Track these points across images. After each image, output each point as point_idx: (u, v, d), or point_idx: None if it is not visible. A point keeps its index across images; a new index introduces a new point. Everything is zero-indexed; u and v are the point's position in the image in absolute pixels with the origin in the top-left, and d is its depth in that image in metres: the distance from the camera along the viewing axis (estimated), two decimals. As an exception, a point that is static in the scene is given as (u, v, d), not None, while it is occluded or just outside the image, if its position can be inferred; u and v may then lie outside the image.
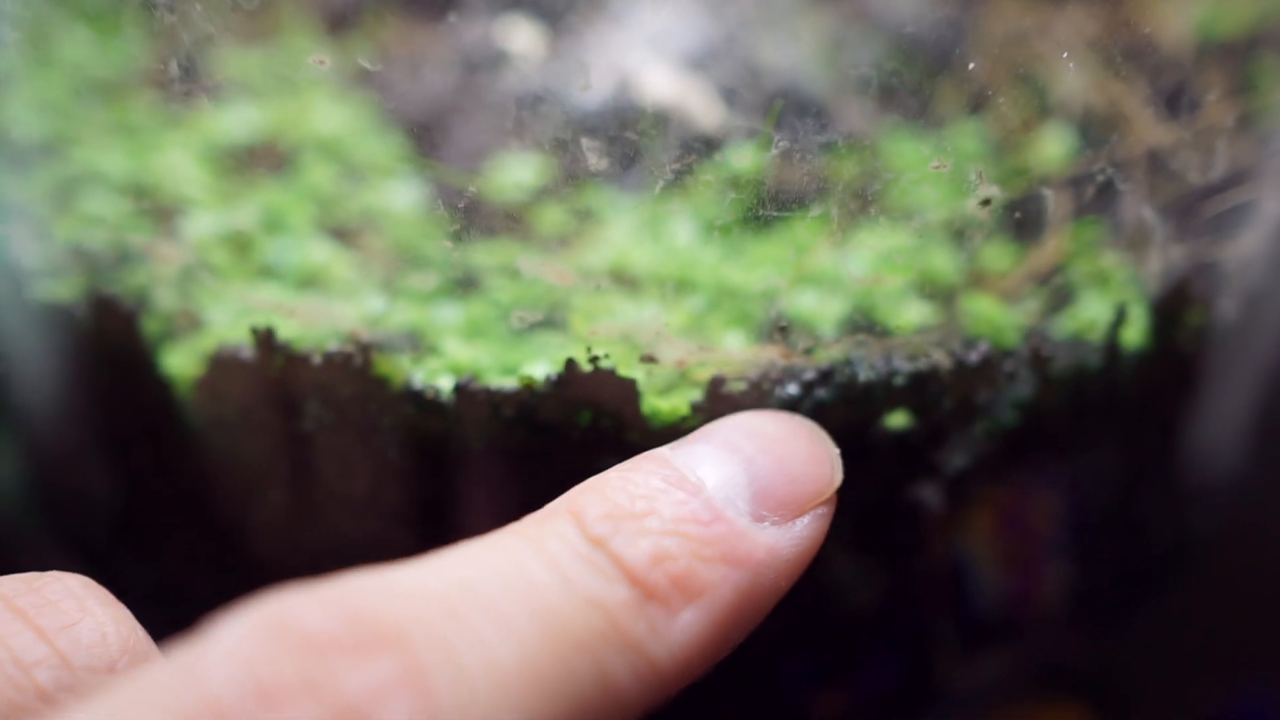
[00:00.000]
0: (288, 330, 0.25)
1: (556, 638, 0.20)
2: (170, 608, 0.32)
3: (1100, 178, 0.30)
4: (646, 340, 0.25)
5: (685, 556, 0.21)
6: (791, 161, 0.32)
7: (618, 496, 0.22)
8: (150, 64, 0.35)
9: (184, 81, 0.34)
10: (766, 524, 0.22)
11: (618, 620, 0.21)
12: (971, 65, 0.30)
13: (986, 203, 0.27)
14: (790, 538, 0.22)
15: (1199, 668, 0.33)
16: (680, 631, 0.21)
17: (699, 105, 0.32)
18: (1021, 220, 0.29)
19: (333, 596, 0.19)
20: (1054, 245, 0.29)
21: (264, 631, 0.19)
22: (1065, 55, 0.33)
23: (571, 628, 0.20)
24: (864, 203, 0.31)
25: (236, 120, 0.32)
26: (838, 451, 0.23)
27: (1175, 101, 0.34)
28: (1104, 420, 0.26)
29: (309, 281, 0.28)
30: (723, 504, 0.22)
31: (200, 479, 0.28)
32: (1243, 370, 0.29)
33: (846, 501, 0.26)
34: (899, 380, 0.25)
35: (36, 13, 0.35)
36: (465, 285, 0.28)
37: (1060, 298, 0.28)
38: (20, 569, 0.35)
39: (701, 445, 0.23)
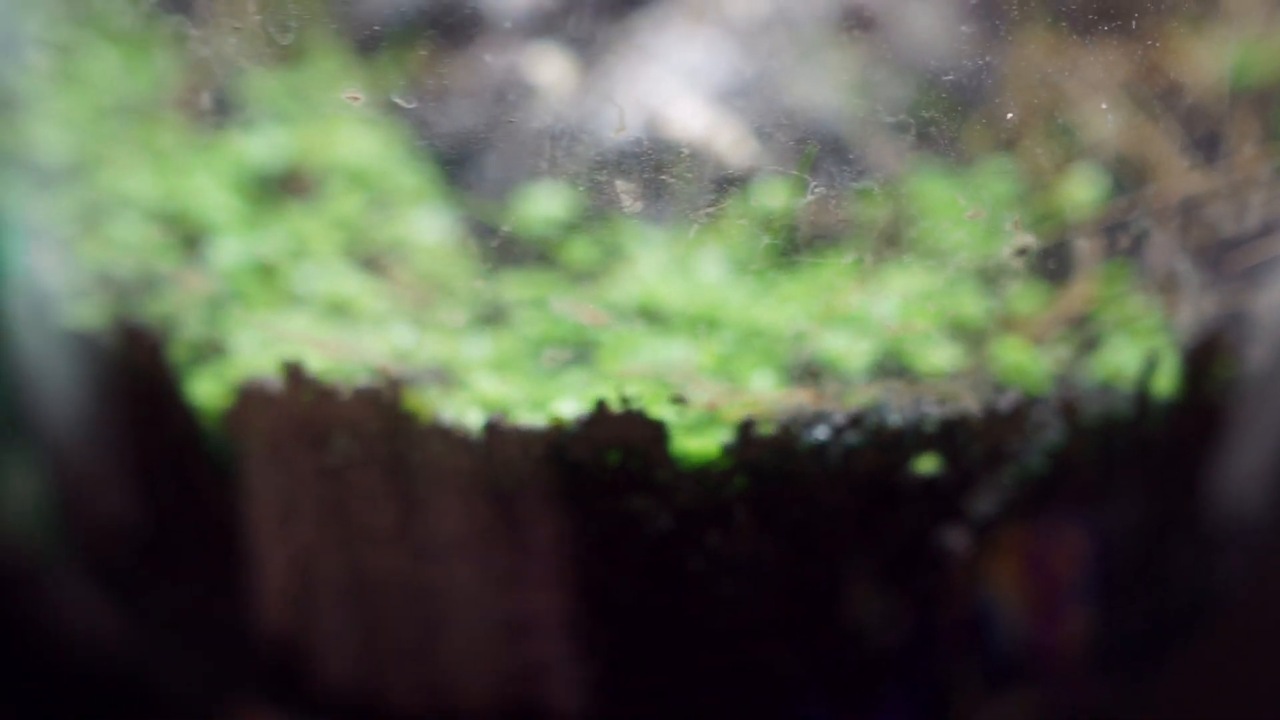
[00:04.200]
0: (316, 362, 0.25)
1: None
2: (192, 634, 0.32)
3: (1131, 224, 0.30)
4: (676, 380, 0.25)
5: None
6: (823, 202, 0.32)
7: None
8: (179, 87, 0.35)
9: (212, 106, 0.34)
10: None
11: None
12: (1010, 115, 0.30)
13: (1022, 252, 0.27)
14: None
15: (1223, 718, 0.33)
16: None
17: (729, 142, 0.32)
18: (1052, 264, 0.29)
19: None
20: (1084, 290, 0.29)
21: None
22: (1097, 98, 0.33)
23: None
24: (894, 245, 0.31)
25: (264, 146, 0.32)
26: None
27: (1209, 147, 0.34)
28: (1133, 468, 0.26)
29: (337, 311, 0.28)
30: None
31: (225, 509, 0.28)
32: (1273, 420, 0.29)
33: (873, 543, 0.25)
34: (928, 426, 0.25)
35: (64, 33, 0.35)
36: (494, 319, 0.28)
37: (1090, 343, 0.28)
38: (44, 592, 0.35)
39: None
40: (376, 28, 0.35)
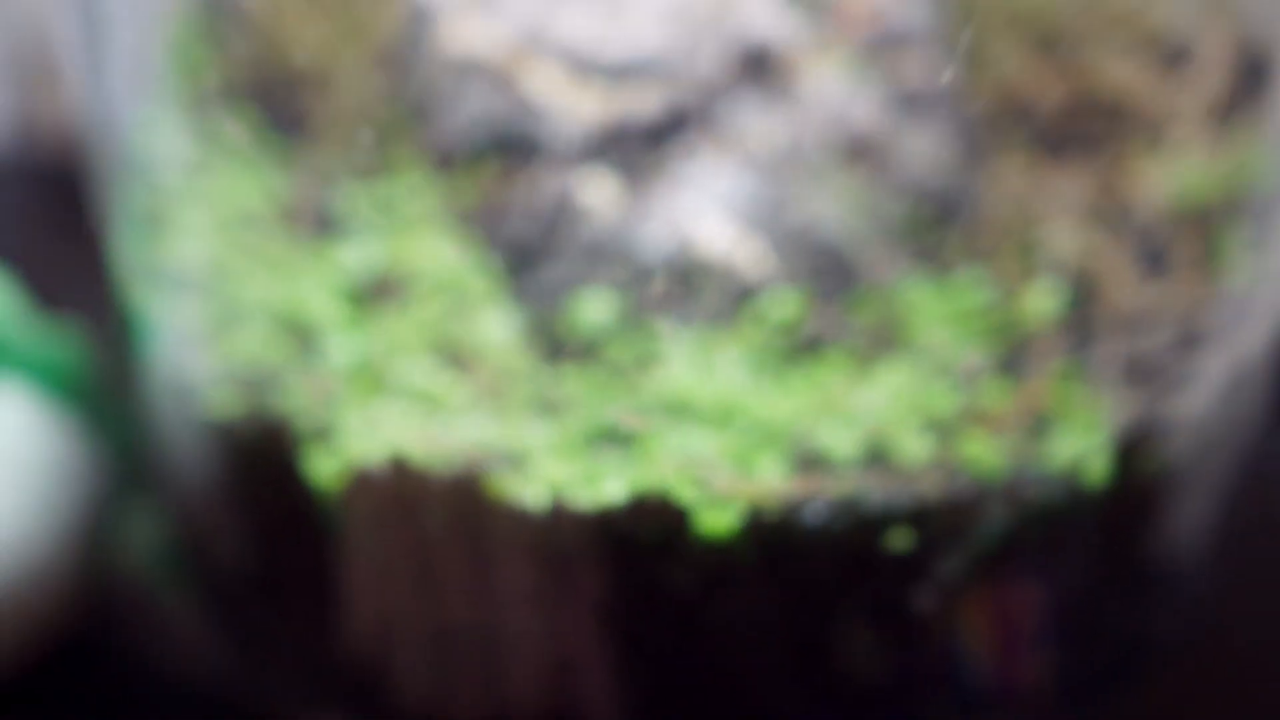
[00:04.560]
0: (411, 449, 0.32)
1: None
2: (290, 662, 0.38)
3: (1083, 332, 0.36)
4: (699, 468, 0.31)
5: None
6: (825, 309, 0.38)
7: None
8: (289, 200, 0.41)
9: (316, 217, 0.40)
10: None
11: None
12: (986, 230, 0.36)
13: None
14: None
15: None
16: None
17: (747, 256, 0.38)
18: (1014, 365, 0.35)
19: None
20: (1039, 388, 0.34)
21: None
22: (1061, 216, 0.39)
23: None
24: (884, 346, 0.37)
25: (360, 254, 0.38)
26: None
27: (1155, 263, 0.39)
28: (1074, 542, 0.32)
29: (426, 402, 0.34)
30: None
31: (329, 562, 0.34)
32: (1196, 503, 0.35)
33: (859, 603, 0.31)
34: (902, 508, 0.30)
35: (194, 153, 0.41)
36: (553, 408, 0.34)
37: (1042, 435, 0.34)
38: (162, 624, 0.42)
39: None
40: (453, 148, 0.41)
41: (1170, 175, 0.39)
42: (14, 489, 0.41)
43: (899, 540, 0.31)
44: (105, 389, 0.44)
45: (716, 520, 0.30)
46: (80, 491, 0.42)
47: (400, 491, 0.31)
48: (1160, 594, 0.36)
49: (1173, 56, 0.44)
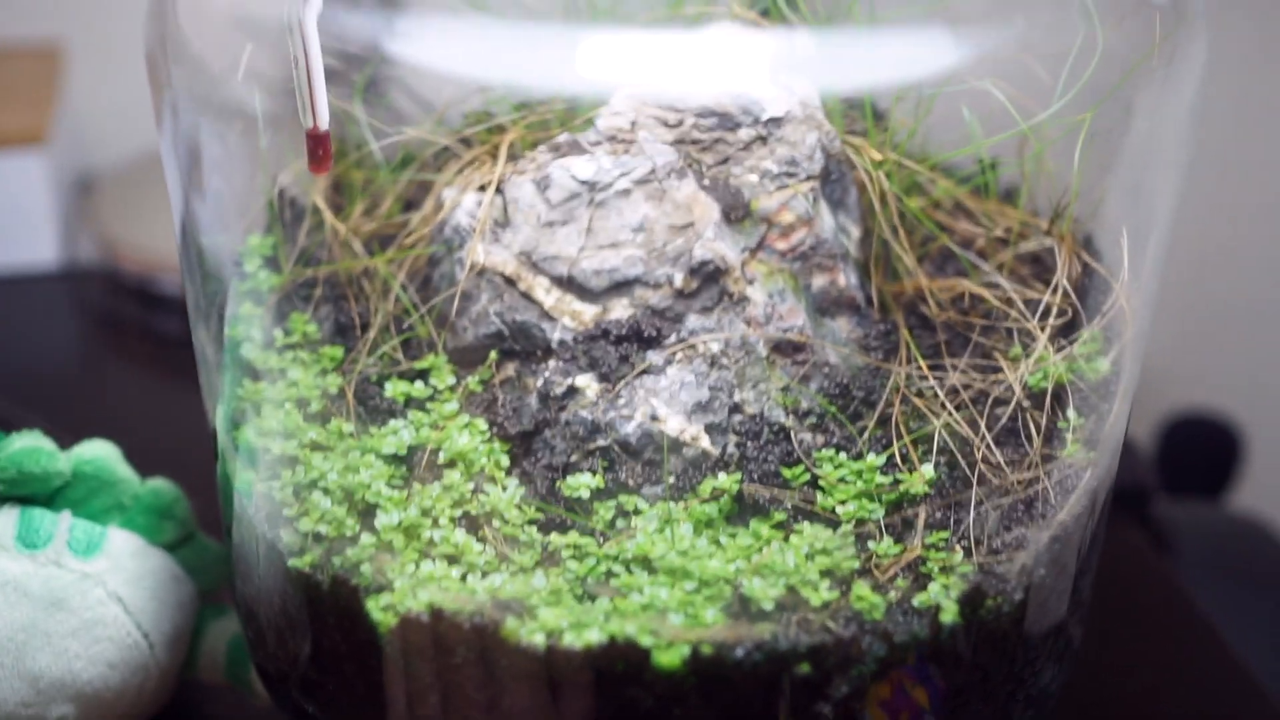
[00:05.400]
0: (446, 602, 0.42)
1: None
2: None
3: (952, 501, 0.46)
4: (658, 617, 0.42)
5: None
6: (761, 479, 0.49)
7: None
8: (344, 393, 0.52)
9: (363, 408, 0.51)
10: None
11: None
12: (887, 416, 0.47)
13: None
14: None
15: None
16: None
17: (698, 437, 0.48)
18: (900, 526, 0.46)
19: None
20: (918, 544, 0.45)
21: None
22: (941, 405, 0.49)
23: None
24: (805, 511, 0.48)
25: (398, 437, 0.49)
26: None
27: (1014, 438, 0.50)
28: (938, 662, 0.43)
29: (453, 559, 0.45)
30: None
31: (382, 689, 0.45)
32: (1031, 623, 0.46)
33: (778, 713, 0.42)
34: (807, 645, 0.41)
35: (269, 360, 0.52)
36: (549, 560, 0.45)
37: (919, 582, 0.44)
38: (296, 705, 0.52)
39: None
40: (469, 341, 0.52)
41: (1027, 367, 0.50)
42: (135, 596, 0.52)
43: (804, 669, 0.42)
44: (195, 531, 0.55)
45: (669, 658, 0.41)
46: (178, 608, 0.53)
47: (436, 633, 0.42)
48: (1010, 689, 0.47)
49: (1037, 270, 0.56)
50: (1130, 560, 0.65)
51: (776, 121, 0.51)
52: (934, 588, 0.44)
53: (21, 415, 0.72)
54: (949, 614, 0.43)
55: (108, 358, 0.85)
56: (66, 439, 0.54)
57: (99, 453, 0.53)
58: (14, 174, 0.88)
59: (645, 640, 0.41)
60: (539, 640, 0.41)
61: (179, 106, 0.48)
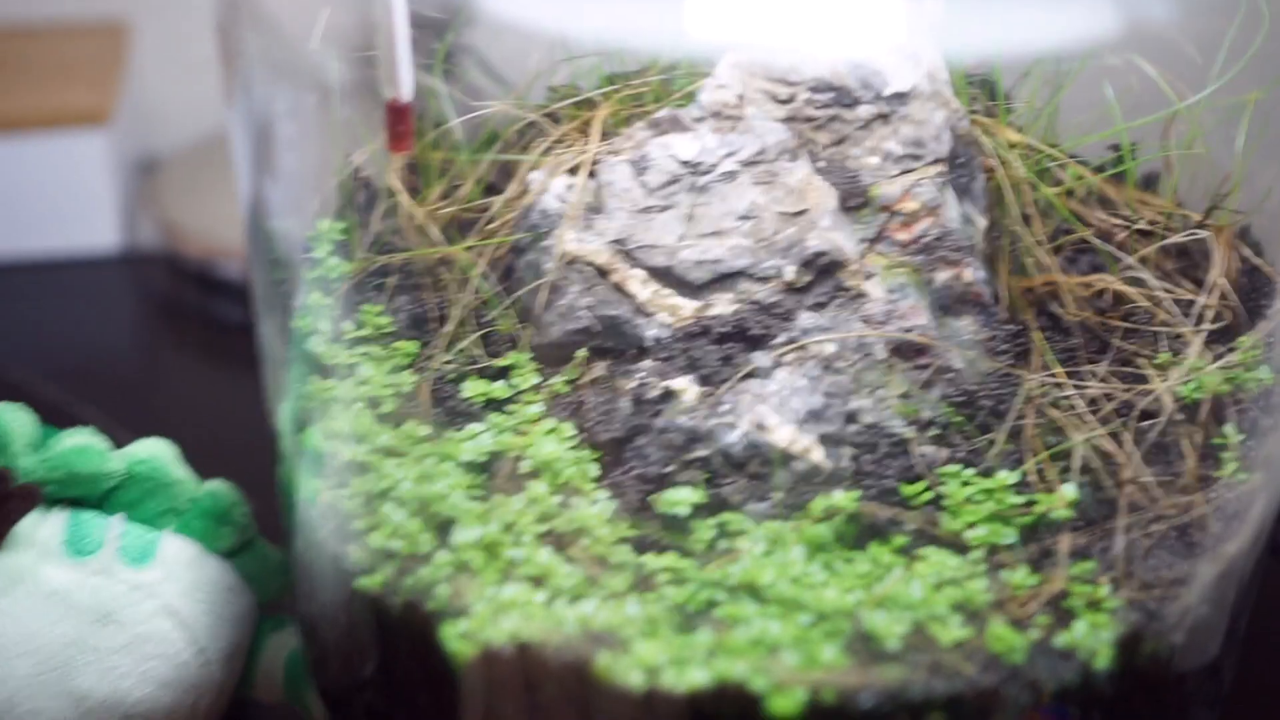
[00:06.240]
0: (528, 629, 0.38)
1: None
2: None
3: (1099, 527, 0.41)
4: (768, 652, 0.37)
5: None
6: (875, 495, 0.44)
7: None
8: (420, 395, 0.47)
9: (442, 410, 0.46)
10: None
11: None
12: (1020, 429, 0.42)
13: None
14: None
15: None
16: None
17: (809, 448, 0.44)
18: (1039, 555, 0.41)
19: None
20: (1060, 575, 0.40)
21: None
22: (1083, 419, 0.44)
23: None
24: (928, 532, 0.43)
25: (479, 442, 0.44)
26: None
27: (1165, 456, 0.45)
28: (1082, 707, 0.38)
29: (538, 582, 0.40)
30: None
31: (448, 709, 0.40)
32: (1193, 679, 0.40)
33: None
34: (940, 693, 0.36)
35: (339, 355, 0.48)
36: (645, 585, 0.40)
37: (1062, 619, 0.39)
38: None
39: None
40: (557, 337, 0.48)
41: (1179, 376, 0.45)
42: (189, 609, 0.48)
43: (936, 718, 0.37)
44: (255, 537, 0.51)
45: (784, 704, 0.36)
46: (234, 621, 0.49)
47: (521, 667, 0.38)
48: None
49: (1188, 264, 0.50)
50: (1265, 589, 0.60)
51: (900, 97, 0.46)
52: (1080, 626, 0.38)
53: (77, 406, 0.69)
54: (1103, 659, 0.37)
55: (167, 345, 0.81)
56: (122, 434, 0.50)
57: (154, 452, 0.49)
58: (76, 154, 0.84)
59: (757, 683, 0.36)
60: (636, 680, 0.37)
61: (252, 78, 0.43)
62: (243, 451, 0.54)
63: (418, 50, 0.47)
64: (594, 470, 0.45)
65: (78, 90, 0.87)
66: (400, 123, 0.38)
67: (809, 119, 0.46)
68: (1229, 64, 0.45)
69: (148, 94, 0.94)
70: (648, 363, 0.46)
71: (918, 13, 0.44)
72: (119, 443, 0.50)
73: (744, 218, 0.46)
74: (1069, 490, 0.42)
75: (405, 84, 0.38)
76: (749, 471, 0.44)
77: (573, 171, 0.47)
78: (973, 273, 0.47)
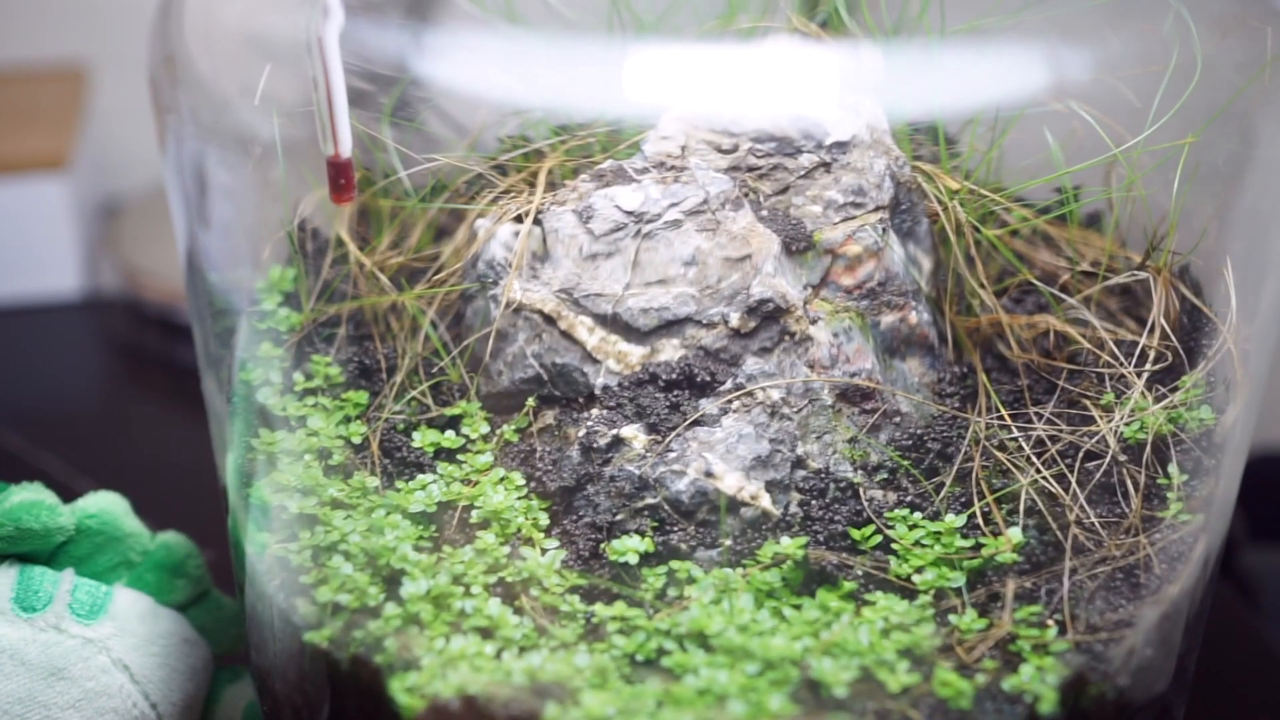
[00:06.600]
0: (475, 682, 0.38)
1: None
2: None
3: (1044, 571, 0.42)
4: (716, 702, 0.37)
5: None
6: (824, 540, 0.44)
7: None
8: (367, 445, 0.47)
9: (389, 460, 0.47)
10: None
11: None
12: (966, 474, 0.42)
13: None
14: None
15: None
16: None
17: (757, 495, 0.44)
18: (986, 599, 0.41)
19: None
20: (1007, 619, 0.40)
21: None
22: (1030, 464, 0.45)
23: None
24: (877, 576, 0.43)
25: (426, 493, 0.45)
26: None
27: (1108, 497, 0.45)
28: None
29: (486, 634, 0.40)
30: None
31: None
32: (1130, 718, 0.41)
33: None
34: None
35: (289, 407, 0.48)
36: (593, 634, 0.40)
37: (1009, 662, 0.40)
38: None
39: None
40: (504, 385, 0.48)
41: (1122, 417, 0.45)
42: (141, 663, 0.47)
43: (882, 765, 0.37)
44: (210, 588, 0.51)
45: (728, 753, 0.37)
46: (189, 675, 0.49)
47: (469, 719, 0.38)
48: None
49: (1129, 305, 0.51)
50: (1216, 615, 0.60)
51: (841, 146, 0.46)
52: (1027, 670, 0.39)
53: (36, 454, 0.69)
54: (1047, 703, 0.38)
55: (129, 390, 0.81)
56: (82, 482, 0.50)
57: (105, 505, 0.49)
58: (36, 199, 0.84)
59: (701, 731, 0.36)
60: (583, 735, 0.37)
61: (184, 132, 0.44)
62: (206, 496, 0.54)
63: (369, 102, 0.47)
64: (544, 519, 0.45)
65: (38, 135, 0.87)
66: (340, 176, 0.39)
67: (752, 168, 0.46)
68: (1163, 108, 0.45)
69: (108, 139, 0.94)
70: (596, 411, 0.46)
71: (856, 65, 0.44)
72: (80, 490, 0.50)
73: (688, 264, 0.46)
74: (1014, 534, 0.43)
75: (344, 140, 0.38)
76: (698, 519, 0.44)
77: (519, 220, 0.47)
78: (918, 315, 0.48)
